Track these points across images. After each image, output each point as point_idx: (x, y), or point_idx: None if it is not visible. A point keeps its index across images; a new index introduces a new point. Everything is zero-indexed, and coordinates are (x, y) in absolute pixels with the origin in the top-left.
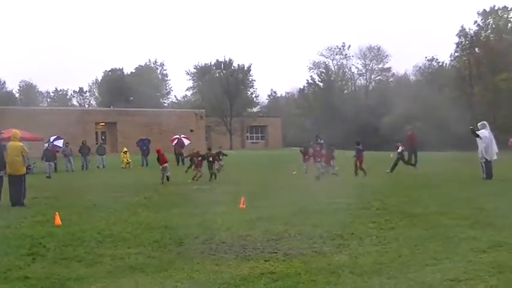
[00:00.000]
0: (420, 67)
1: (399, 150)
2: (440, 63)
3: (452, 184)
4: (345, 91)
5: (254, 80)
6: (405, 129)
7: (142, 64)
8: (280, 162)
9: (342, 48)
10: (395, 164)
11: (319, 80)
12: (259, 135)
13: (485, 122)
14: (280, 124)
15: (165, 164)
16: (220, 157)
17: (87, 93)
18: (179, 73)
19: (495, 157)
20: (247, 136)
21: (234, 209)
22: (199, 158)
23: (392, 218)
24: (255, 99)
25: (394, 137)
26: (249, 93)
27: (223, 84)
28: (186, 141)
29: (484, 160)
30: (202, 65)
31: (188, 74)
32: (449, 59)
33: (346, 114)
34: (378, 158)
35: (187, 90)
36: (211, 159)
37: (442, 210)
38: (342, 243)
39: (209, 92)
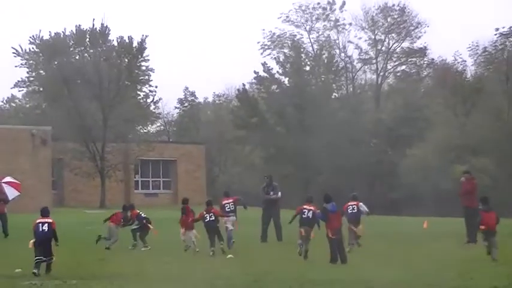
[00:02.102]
0: (485, 48)
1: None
2: None
3: None
4: (334, 94)
5: (152, 70)
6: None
7: None
8: None
9: (327, 7)
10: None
11: (280, 71)
12: (161, 179)
13: None
14: (204, 157)
15: None
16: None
17: None
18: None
19: None
20: (137, 182)
21: None
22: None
23: None
24: (152, 106)
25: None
26: (141, 94)
27: (91, 76)
28: (13, 193)
29: None
30: (50, 36)
31: (18, 54)
32: None
33: (335, 140)
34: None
35: (15, 86)
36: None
37: None
38: None
39: (60, 91)
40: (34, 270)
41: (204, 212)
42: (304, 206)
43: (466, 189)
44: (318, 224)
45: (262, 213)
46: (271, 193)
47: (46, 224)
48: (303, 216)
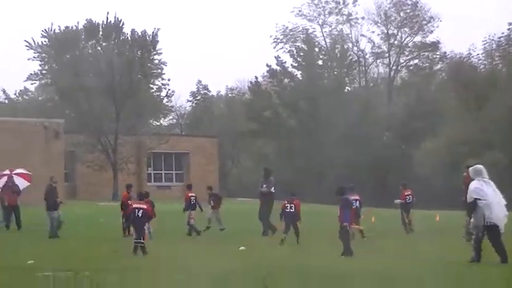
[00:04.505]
0: (499, 42)
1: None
2: None
3: None
4: (347, 87)
5: (165, 63)
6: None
7: None
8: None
9: (340, 1)
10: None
11: (294, 64)
12: (173, 172)
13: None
14: (217, 150)
15: None
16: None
17: None
18: (11, 46)
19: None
20: (150, 174)
21: None
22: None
23: None
24: (166, 99)
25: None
26: (155, 87)
27: (103, 69)
28: (23, 183)
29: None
30: (62, 29)
31: (30, 47)
32: None
33: (348, 134)
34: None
35: (28, 79)
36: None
37: None
38: None
39: (72, 84)
40: (135, 252)
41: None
42: (286, 203)
43: (467, 183)
44: (298, 216)
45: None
46: (264, 186)
47: (141, 210)
48: (286, 210)
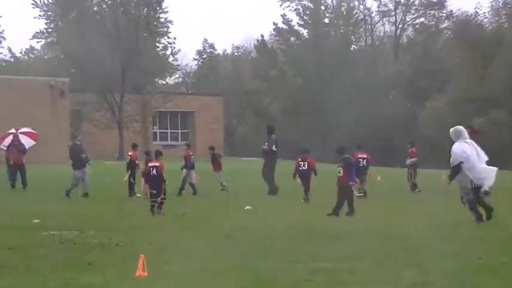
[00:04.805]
0: (506, 1)
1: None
2: None
3: None
4: (353, 46)
5: (170, 21)
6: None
7: None
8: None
9: None
10: None
11: (300, 22)
12: (179, 131)
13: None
14: (222, 109)
15: None
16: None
17: None
18: (17, 4)
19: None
20: (155, 133)
21: (125, 278)
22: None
23: None
24: (171, 58)
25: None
26: (160, 45)
27: (109, 27)
28: (29, 142)
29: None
30: None
31: (36, 5)
32: None
33: (354, 92)
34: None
35: (34, 38)
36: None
37: None
38: None
39: (78, 43)
40: (152, 210)
41: (300, 159)
42: (300, 160)
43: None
44: (315, 172)
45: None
46: (266, 144)
47: (155, 169)
48: (300, 169)
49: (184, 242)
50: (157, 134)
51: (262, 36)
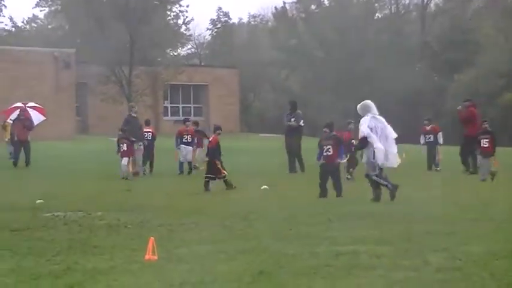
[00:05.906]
0: None
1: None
2: None
3: None
4: (377, 15)
5: None
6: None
7: None
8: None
9: None
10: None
11: None
12: (191, 105)
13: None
14: (237, 82)
15: None
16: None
17: None
18: None
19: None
20: (167, 108)
21: (133, 262)
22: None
23: None
24: (183, 27)
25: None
26: (172, 14)
27: None
28: (38, 117)
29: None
30: None
31: None
32: None
33: (378, 64)
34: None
35: (37, 6)
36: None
37: None
38: None
39: (84, 11)
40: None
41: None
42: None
43: (463, 117)
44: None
45: (284, 142)
46: (292, 120)
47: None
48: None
49: (197, 223)
50: (169, 108)
51: (284, 3)
